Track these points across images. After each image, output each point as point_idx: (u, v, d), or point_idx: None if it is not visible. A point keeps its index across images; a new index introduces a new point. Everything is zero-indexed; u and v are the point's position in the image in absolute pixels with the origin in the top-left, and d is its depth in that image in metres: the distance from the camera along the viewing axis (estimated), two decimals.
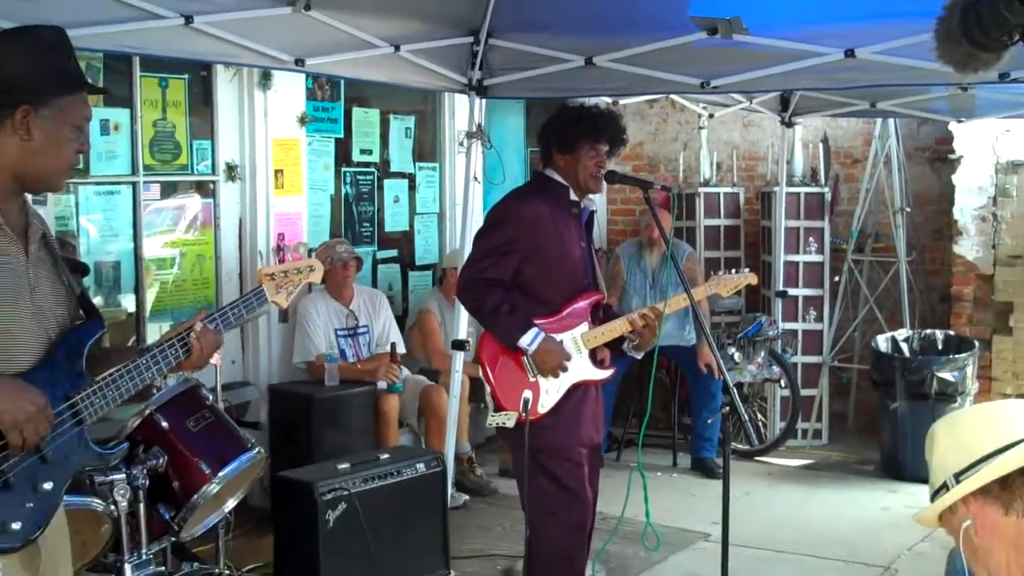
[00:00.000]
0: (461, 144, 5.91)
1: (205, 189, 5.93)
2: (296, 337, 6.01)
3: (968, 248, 7.35)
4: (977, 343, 6.91)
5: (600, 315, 4.05)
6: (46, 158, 2.33)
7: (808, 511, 6.19)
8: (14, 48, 2.34)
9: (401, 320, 6.76)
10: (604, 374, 4.02)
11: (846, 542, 5.55)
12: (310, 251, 5.79)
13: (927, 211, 7.82)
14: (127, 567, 3.60)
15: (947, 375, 6.55)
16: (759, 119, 8.14)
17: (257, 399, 5.92)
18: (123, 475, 3.55)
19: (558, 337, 3.90)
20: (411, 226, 7.30)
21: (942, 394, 6.51)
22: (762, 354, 6.99)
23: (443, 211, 7.50)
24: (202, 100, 5.88)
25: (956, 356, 6.73)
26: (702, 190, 7.83)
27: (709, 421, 6.78)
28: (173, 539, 3.89)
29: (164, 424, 3.80)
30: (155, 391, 3.83)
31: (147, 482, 3.64)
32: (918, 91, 6.16)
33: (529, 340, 3.83)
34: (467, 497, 6.13)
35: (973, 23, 2.13)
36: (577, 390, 3.93)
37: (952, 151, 7.41)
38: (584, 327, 3.96)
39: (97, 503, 3.52)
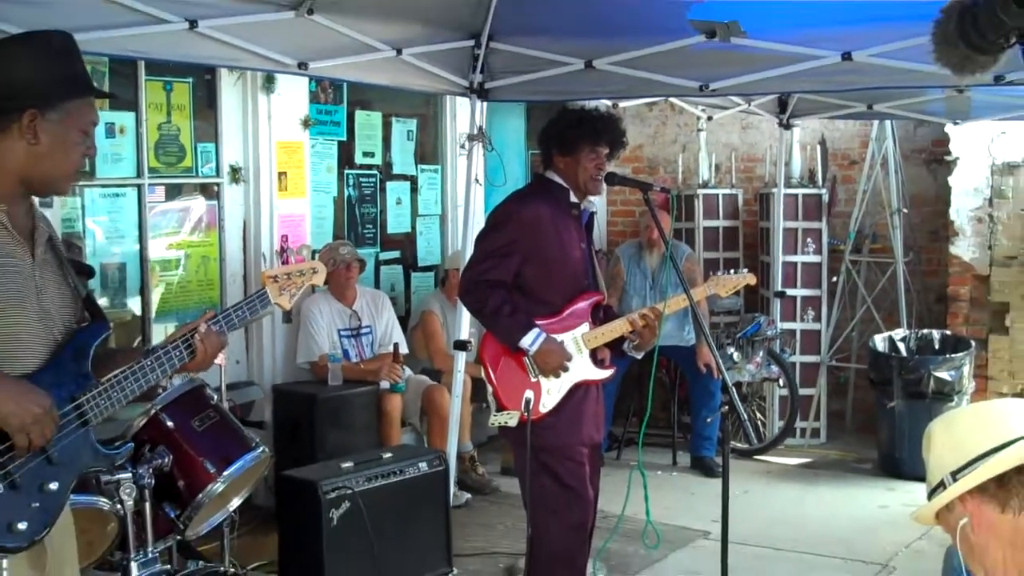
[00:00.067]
0: (462, 146, 5.93)
1: (209, 191, 5.97)
2: (300, 337, 6.04)
3: (964, 249, 7.39)
4: (973, 343, 6.94)
5: (600, 315, 4.07)
6: (53, 162, 2.33)
7: (806, 509, 6.23)
8: (23, 53, 2.34)
9: (404, 321, 6.78)
10: (605, 374, 4.04)
11: (844, 540, 5.58)
12: (313, 253, 5.84)
13: (924, 212, 7.86)
14: (133, 565, 3.59)
15: (944, 374, 6.59)
16: (757, 121, 8.17)
17: (261, 399, 5.96)
18: (129, 474, 3.54)
19: (559, 337, 3.91)
20: (413, 228, 7.33)
21: (939, 393, 6.55)
22: (761, 354, 7.02)
23: (445, 213, 7.53)
24: (206, 103, 5.91)
25: (953, 356, 6.76)
26: (701, 192, 7.86)
27: (708, 420, 6.80)
28: (178, 537, 3.89)
29: (169, 424, 3.80)
30: (160, 391, 3.85)
31: (153, 481, 3.63)
32: (914, 93, 6.18)
33: (530, 341, 3.85)
34: (469, 495, 6.16)
35: (970, 26, 2.16)
36: (578, 390, 3.95)
37: (948, 153, 7.45)
38: (585, 327, 3.98)
39: (103, 502, 3.52)
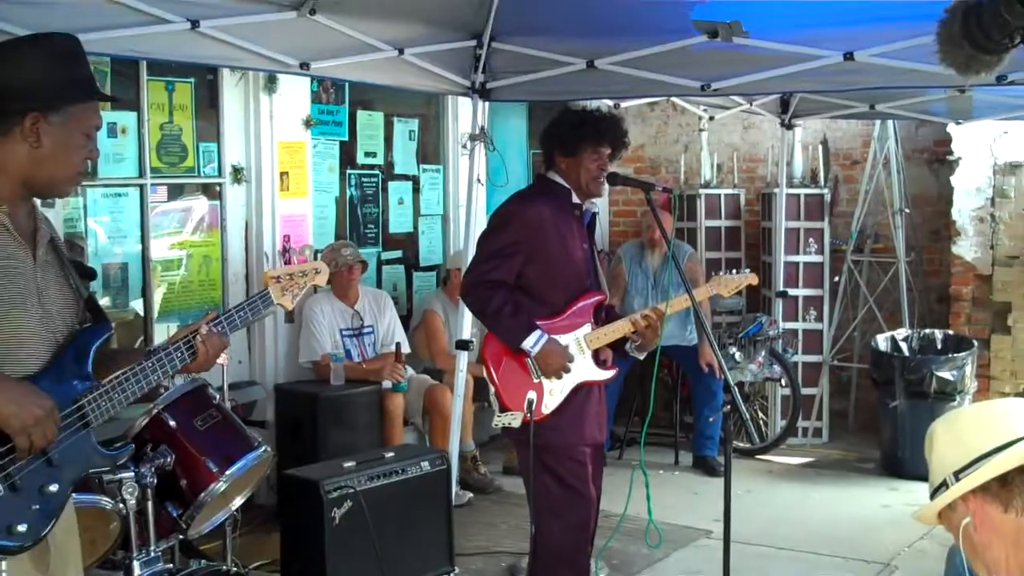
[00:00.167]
0: (464, 146, 5.93)
1: (211, 191, 5.97)
2: (302, 337, 6.04)
3: (966, 248, 7.39)
4: (975, 342, 6.95)
5: (602, 316, 4.07)
6: (55, 165, 2.33)
7: (809, 509, 6.22)
8: (27, 55, 2.34)
9: (406, 320, 6.79)
10: (607, 374, 4.04)
11: (846, 539, 5.58)
12: (316, 253, 5.84)
13: (926, 212, 7.86)
14: (136, 564, 3.60)
15: (946, 374, 6.59)
16: (759, 121, 8.17)
17: (263, 398, 5.97)
18: (131, 474, 3.55)
19: (561, 338, 3.91)
20: (415, 227, 7.34)
21: (941, 393, 6.55)
22: (763, 353, 7.02)
23: (447, 213, 7.53)
24: (208, 103, 5.92)
25: (955, 355, 6.76)
26: (703, 191, 7.87)
27: (711, 420, 6.81)
28: (181, 537, 3.89)
29: (172, 423, 3.80)
30: (162, 391, 3.86)
31: (155, 480, 3.64)
32: (916, 93, 6.18)
33: (532, 342, 3.84)
34: (471, 495, 6.17)
35: (975, 26, 2.17)
36: (580, 390, 3.95)
37: (950, 152, 7.45)
38: (587, 328, 3.98)
39: (106, 501, 3.53)
